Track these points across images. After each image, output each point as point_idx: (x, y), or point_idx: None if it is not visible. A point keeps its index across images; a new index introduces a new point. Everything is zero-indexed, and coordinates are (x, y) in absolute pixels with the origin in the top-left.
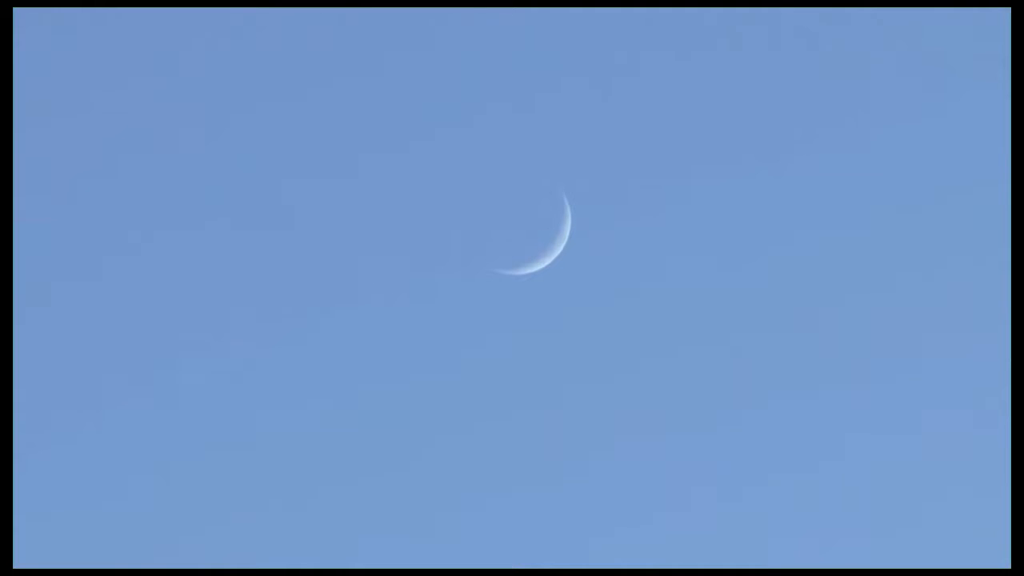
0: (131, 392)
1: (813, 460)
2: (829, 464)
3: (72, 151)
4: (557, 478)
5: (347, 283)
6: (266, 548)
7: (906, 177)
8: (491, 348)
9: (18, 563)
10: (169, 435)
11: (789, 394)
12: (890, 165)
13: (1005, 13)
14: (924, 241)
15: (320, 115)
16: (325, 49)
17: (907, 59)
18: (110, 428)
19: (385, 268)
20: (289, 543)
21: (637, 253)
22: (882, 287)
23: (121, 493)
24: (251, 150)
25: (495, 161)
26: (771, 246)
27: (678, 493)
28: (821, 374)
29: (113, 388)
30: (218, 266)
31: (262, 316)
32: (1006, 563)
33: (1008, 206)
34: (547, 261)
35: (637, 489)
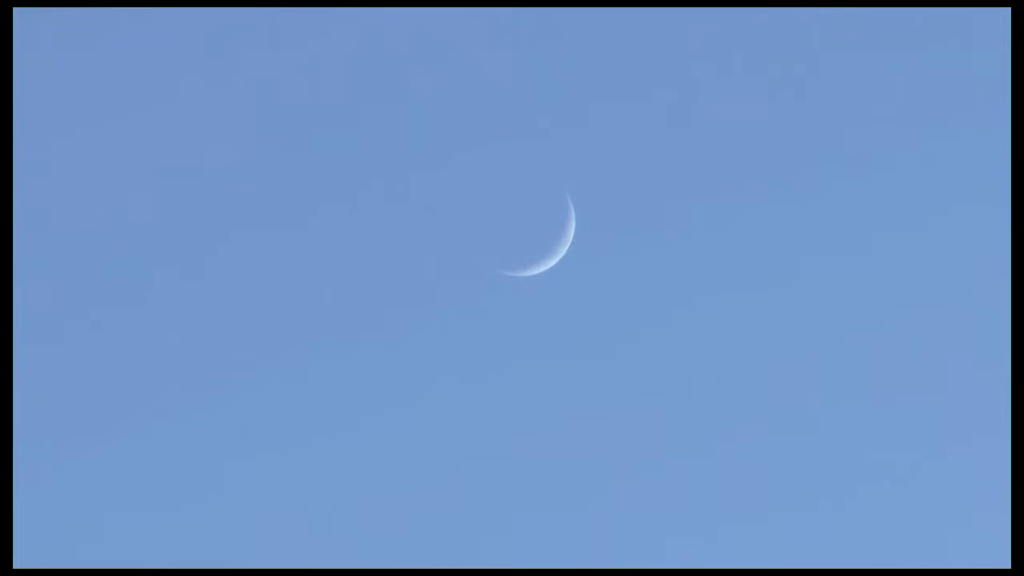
0: (130, 392)
1: (811, 461)
2: (827, 464)
3: (72, 152)
4: (560, 479)
5: (348, 284)
6: (266, 550)
7: (904, 181)
8: (493, 348)
9: (18, 563)
10: (169, 436)
11: (791, 402)
12: (888, 168)
13: (1005, 13)
14: (922, 243)
15: (322, 115)
16: (331, 50)
17: (906, 59)
18: (111, 429)
19: (386, 268)
20: (289, 546)
21: (639, 254)
22: (883, 293)
23: (122, 494)
24: (252, 152)
25: (497, 162)
26: (772, 249)
27: (680, 499)
28: (822, 385)
29: (112, 388)
30: (218, 266)
31: (265, 318)
32: (1006, 563)
33: (1008, 206)
34: (551, 262)
35: (637, 490)
